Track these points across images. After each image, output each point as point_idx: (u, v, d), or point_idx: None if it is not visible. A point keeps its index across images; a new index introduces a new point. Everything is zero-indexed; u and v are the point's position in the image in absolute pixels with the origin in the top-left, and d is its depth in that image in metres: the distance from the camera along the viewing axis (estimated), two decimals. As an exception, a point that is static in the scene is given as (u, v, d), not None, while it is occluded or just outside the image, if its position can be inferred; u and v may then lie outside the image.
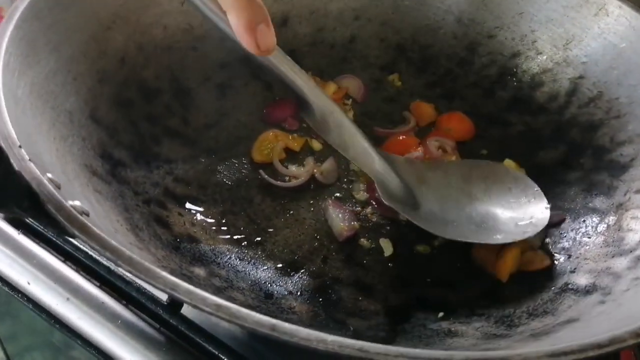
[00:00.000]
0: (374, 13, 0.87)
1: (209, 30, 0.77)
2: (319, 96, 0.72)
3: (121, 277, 0.63)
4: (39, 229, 0.67)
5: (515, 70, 0.82)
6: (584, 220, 0.68)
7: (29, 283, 0.64)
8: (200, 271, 0.58)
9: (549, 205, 0.68)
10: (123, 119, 0.68)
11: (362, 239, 0.68)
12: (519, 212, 0.68)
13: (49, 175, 0.48)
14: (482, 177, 0.72)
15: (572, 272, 0.63)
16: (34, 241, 0.66)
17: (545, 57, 0.81)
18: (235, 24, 0.55)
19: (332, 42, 0.85)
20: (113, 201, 0.58)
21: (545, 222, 0.67)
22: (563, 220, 0.69)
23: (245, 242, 0.65)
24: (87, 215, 0.47)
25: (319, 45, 0.85)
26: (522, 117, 0.80)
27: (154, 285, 0.41)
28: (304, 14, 0.85)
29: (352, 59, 0.86)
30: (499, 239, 0.66)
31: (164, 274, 0.41)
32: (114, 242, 0.43)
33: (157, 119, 0.72)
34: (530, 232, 0.66)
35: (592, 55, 0.77)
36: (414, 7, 0.86)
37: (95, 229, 0.43)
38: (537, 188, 0.70)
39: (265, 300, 0.58)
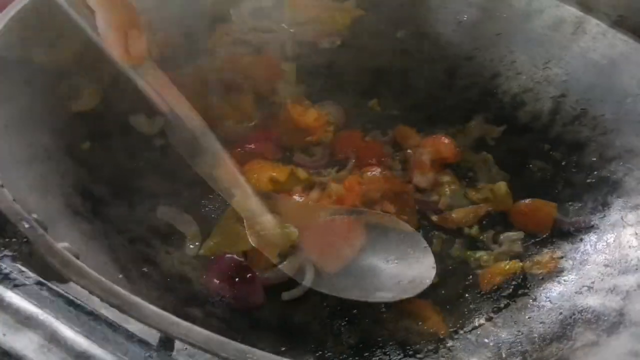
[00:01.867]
0: (351, 40, 0.84)
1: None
2: (191, 115, 0.63)
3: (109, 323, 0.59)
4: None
5: (495, 91, 0.81)
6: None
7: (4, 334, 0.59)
8: (196, 312, 0.54)
9: (434, 266, 0.62)
10: (101, 153, 0.64)
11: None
12: (403, 269, 0.62)
13: (34, 215, 0.44)
14: (370, 228, 0.66)
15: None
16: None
17: (525, 76, 0.80)
18: (103, 26, 0.50)
19: (310, 70, 0.83)
20: (99, 241, 0.55)
21: (429, 281, 0.61)
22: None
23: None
24: (77, 258, 0.44)
25: (298, 70, 0.82)
26: (508, 137, 0.78)
27: (164, 332, 0.38)
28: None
29: (330, 85, 0.84)
30: (381, 296, 0.60)
31: (176, 319, 0.38)
32: (116, 287, 0.39)
33: (136, 151, 0.68)
34: (412, 291, 0.60)
35: (573, 73, 0.76)
36: (389, 32, 0.84)
37: (94, 272, 0.39)
38: (425, 245, 0.64)
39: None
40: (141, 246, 0.59)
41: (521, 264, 0.64)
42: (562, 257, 0.64)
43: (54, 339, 0.54)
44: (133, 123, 0.68)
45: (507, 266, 0.64)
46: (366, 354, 0.56)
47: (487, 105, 0.81)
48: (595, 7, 0.76)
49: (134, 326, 0.41)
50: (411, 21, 0.84)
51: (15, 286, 0.56)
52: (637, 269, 0.59)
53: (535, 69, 0.79)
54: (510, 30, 0.80)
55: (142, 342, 0.49)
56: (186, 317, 0.50)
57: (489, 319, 0.60)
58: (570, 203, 0.69)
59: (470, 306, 0.62)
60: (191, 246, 0.61)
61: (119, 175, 0.64)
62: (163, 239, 0.62)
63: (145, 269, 0.56)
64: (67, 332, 0.55)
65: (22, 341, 0.55)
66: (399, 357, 0.56)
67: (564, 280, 0.62)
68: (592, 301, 0.58)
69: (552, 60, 0.78)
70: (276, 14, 0.79)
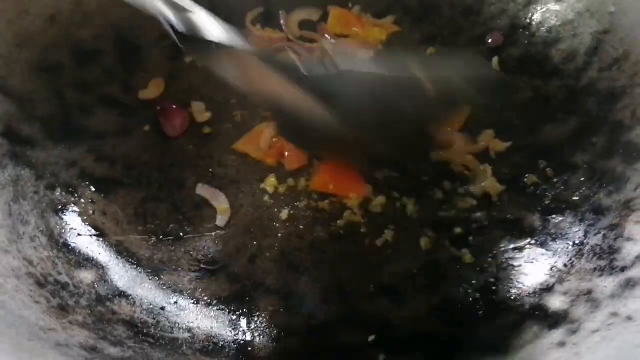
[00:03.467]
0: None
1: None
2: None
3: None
4: None
5: (529, 21, 0.71)
6: (582, 220, 0.58)
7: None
8: (86, 275, 0.52)
9: None
10: (44, 87, 0.63)
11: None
12: None
13: None
14: None
15: (549, 289, 0.54)
16: None
17: (566, 5, 0.68)
18: None
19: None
20: (-6, 191, 0.54)
21: None
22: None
23: (162, 236, 0.59)
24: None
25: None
26: (532, 81, 0.68)
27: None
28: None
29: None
30: None
31: None
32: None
33: (91, 86, 0.66)
34: None
35: (622, 2, 0.64)
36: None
37: None
38: None
39: (158, 313, 0.52)
40: (61, 194, 0.58)
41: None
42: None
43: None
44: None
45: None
46: (347, 326, 0.55)
47: (516, 40, 0.70)
48: None
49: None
50: None
51: None
52: (622, 270, 0.50)
53: (579, -4, 0.70)
54: (556, -57, 0.70)
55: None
56: (64, 285, 0.51)
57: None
58: (553, 216, 0.60)
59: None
60: (220, 218, 0.61)
61: (62, 111, 0.63)
62: (95, 184, 0.60)
63: (50, 222, 0.55)
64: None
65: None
66: (374, 329, 0.54)
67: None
68: (557, 303, 0.51)
69: (599, -16, 0.68)
70: (321, 27, 0.75)
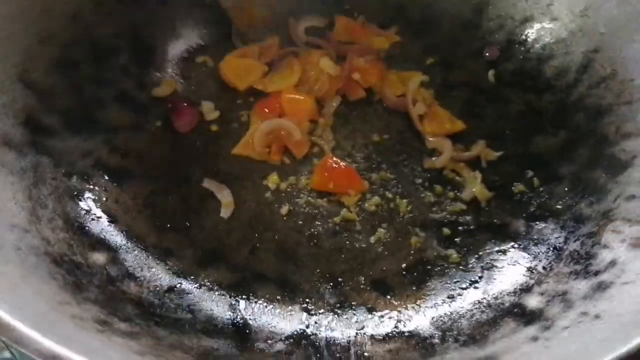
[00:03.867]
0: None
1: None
2: None
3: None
4: None
5: (525, 38, 0.75)
6: (563, 227, 0.62)
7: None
8: (99, 257, 0.57)
9: None
10: (64, 82, 0.67)
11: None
12: None
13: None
14: None
15: (527, 290, 0.58)
16: None
17: (560, 24, 0.73)
18: None
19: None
20: (19, 175, 0.57)
21: None
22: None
23: (169, 224, 0.64)
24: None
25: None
26: (525, 95, 0.73)
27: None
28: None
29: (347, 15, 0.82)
30: None
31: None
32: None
33: (107, 82, 0.71)
34: None
35: (613, 24, 0.68)
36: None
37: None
38: None
39: (164, 295, 0.57)
40: (77, 180, 0.62)
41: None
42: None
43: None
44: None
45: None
46: (339, 311, 0.59)
47: (511, 55, 0.75)
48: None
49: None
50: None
51: None
52: (596, 274, 0.54)
53: (572, 16, 0.72)
54: (553, -35, 0.75)
55: None
56: (78, 264, 0.55)
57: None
58: (537, 222, 0.64)
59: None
60: (224, 211, 0.65)
61: (80, 105, 0.67)
62: (109, 173, 0.65)
63: (66, 206, 0.59)
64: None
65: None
66: (365, 317, 0.58)
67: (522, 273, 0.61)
68: (534, 303, 0.56)
69: (591, 6, 0.70)
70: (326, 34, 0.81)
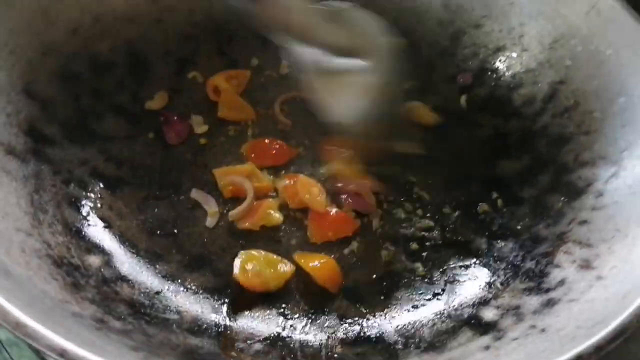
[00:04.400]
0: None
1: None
2: None
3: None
4: None
5: (497, 66, 0.82)
6: (521, 246, 0.69)
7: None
8: (94, 260, 0.63)
9: None
10: (64, 93, 0.73)
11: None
12: None
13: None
14: None
15: (485, 303, 0.65)
16: None
17: (529, 55, 0.80)
18: None
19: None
20: (22, 182, 0.63)
21: None
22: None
23: (159, 231, 0.70)
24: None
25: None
26: (494, 119, 0.80)
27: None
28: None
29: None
30: None
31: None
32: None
33: (104, 94, 0.77)
34: None
35: (577, 59, 0.75)
36: (401, -12, 0.88)
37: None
38: None
39: (153, 296, 0.63)
40: (75, 188, 0.68)
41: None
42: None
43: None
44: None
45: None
46: (313, 317, 0.65)
47: (483, 82, 0.82)
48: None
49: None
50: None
51: None
52: (546, 292, 0.61)
53: (542, 48, 0.79)
54: (525, 0, 0.79)
55: None
56: (76, 266, 0.61)
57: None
58: (498, 241, 0.70)
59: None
60: (209, 220, 0.71)
61: (78, 115, 0.72)
62: (104, 181, 0.71)
63: (64, 212, 0.65)
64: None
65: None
66: (336, 322, 0.64)
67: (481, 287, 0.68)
68: (490, 315, 0.62)
69: (559, 40, 0.77)
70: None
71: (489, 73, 0.82)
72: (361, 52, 0.69)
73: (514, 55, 0.81)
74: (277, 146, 0.78)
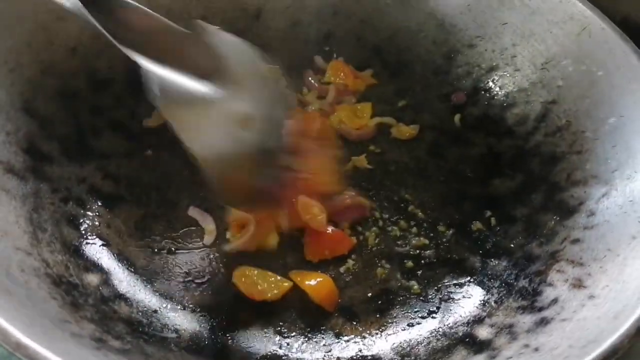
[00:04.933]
0: (354, 10, 0.88)
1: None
2: None
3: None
4: None
5: (490, 85, 0.83)
6: (515, 264, 0.70)
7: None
8: (93, 278, 0.63)
9: None
10: (63, 110, 0.73)
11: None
12: None
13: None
14: None
15: (479, 321, 0.65)
16: None
17: (522, 75, 0.81)
18: None
19: (306, 38, 0.89)
20: (22, 200, 0.64)
21: None
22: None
23: (157, 249, 0.70)
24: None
25: (292, 41, 0.88)
26: (487, 138, 0.81)
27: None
28: (278, 8, 0.88)
29: (325, 57, 0.89)
30: None
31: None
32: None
33: (102, 111, 0.77)
34: None
35: (569, 79, 0.76)
36: (396, 7, 0.87)
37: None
38: None
39: (151, 315, 0.63)
40: (73, 206, 0.68)
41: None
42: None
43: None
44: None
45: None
46: (309, 335, 0.65)
47: (477, 101, 0.83)
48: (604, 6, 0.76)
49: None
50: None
51: None
52: (539, 310, 0.62)
53: (534, 68, 0.80)
54: (517, 20, 0.81)
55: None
56: (74, 285, 0.61)
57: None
58: (492, 259, 0.71)
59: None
60: (207, 238, 0.71)
61: (77, 132, 0.73)
62: (102, 199, 0.71)
63: (63, 230, 0.65)
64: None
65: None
66: (332, 341, 0.65)
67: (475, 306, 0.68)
68: (484, 333, 0.63)
69: (551, 61, 0.78)
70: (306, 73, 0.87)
71: (483, 92, 0.83)
72: (224, 77, 0.64)
73: (507, 75, 0.82)
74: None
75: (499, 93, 0.82)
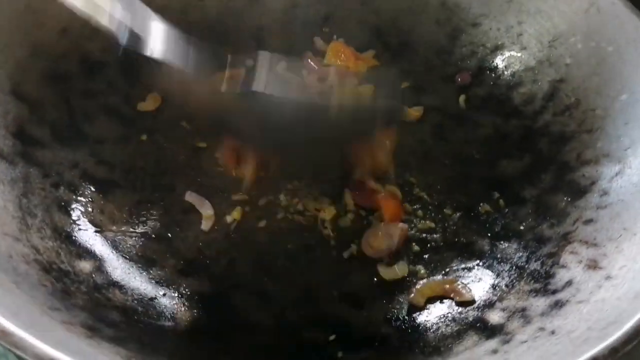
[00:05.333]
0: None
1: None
2: None
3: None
4: None
5: (495, 65, 0.80)
6: (525, 247, 0.66)
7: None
8: (85, 265, 0.60)
9: None
10: (54, 94, 0.70)
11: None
12: None
13: None
14: None
15: (490, 305, 0.62)
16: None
17: (529, 53, 0.78)
18: None
19: (305, 20, 0.85)
20: (10, 185, 0.60)
21: None
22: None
23: (153, 235, 0.66)
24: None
25: (290, 23, 0.84)
26: (493, 119, 0.77)
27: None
28: (278, -12, 0.87)
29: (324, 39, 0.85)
30: None
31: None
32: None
33: (95, 95, 0.74)
34: None
35: (577, 56, 0.73)
36: (398, -14, 0.86)
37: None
38: None
39: (147, 302, 0.60)
40: (65, 191, 0.65)
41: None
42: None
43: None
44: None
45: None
46: (312, 326, 0.62)
47: (482, 81, 0.80)
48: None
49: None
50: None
51: None
52: (553, 293, 0.58)
53: (541, 46, 0.77)
54: (523, -3, 0.80)
55: None
56: (66, 272, 0.58)
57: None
58: (501, 242, 0.68)
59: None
60: (205, 223, 0.68)
61: (68, 117, 0.70)
62: (95, 184, 0.67)
63: (54, 216, 0.62)
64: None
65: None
66: (337, 329, 0.62)
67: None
68: (496, 318, 0.60)
69: (559, 38, 0.75)
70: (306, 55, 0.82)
71: (488, 72, 0.80)
72: None
73: (513, 53, 0.79)
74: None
75: (505, 72, 0.79)
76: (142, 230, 0.67)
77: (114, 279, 0.61)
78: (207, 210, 0.70)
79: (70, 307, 0.53)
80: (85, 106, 0.72)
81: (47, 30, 0.71)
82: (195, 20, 0.81)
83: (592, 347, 0.48)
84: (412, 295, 0.65)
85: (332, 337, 0.61)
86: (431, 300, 0.64)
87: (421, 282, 0.66)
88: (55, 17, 0.71)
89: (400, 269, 0.66)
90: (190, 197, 0.71)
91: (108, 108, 0.74)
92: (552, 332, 0.54)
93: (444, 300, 0.64)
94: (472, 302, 0.64)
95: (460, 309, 0.63)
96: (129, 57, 0.76)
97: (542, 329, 0.56)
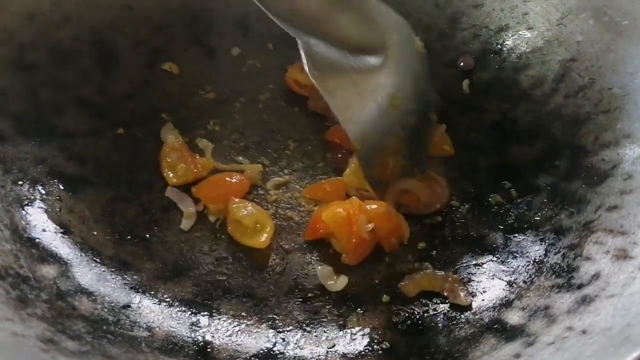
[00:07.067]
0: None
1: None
2: None
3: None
4: None
5: (500, 47, 0.72)
6: (543, 239, 0.59)
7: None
8: (49, 270, 0.52)
9: None
10: (19, 84, 0.62)
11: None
12: None
13: None
14: None
15: (507, 304, 0.54)
16: None
17: (536, 33, 0.70)
18: None
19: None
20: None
21: None
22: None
23: (129, 236, 0.58)
24: None
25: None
26: (500, 104, 0.69)
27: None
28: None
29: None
30: None
31: None
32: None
33: (66, 86, 0.66)
34: None
35: (589, 33, 0.65)
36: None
37: None
38: None
39: (119, 311, 0.52)
40: (28, 189, 0.57)
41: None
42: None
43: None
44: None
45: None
46: (308, 328, 0.55)
47: (486, 65, 0.72)
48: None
49: None
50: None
51: None
52: (579, 287, 0.50)
53: (549, 25, 0.69)
54: (527, -27, 0.72)
55: None
56: (25, 278, 0.50)
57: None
58: (515, 235, 0.60)
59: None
60: (185, 222, 0.61)
61: (35, 109, 0.62)
62: (64, 182, 0.60)
63: (15, 216, 0.54)
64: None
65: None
66: (336, 334, 0.54)
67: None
68: (515, 318, 0.52)
69: (568, 15, 0.68)
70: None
71: (492, 55, 0.72)
72: (377, 48, 0.65)
73: (519, 34, 0.71)
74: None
75: (511, 55, 0.71)
76: (117, 231, 0.59)
77: (82, 285, 0.53)
78: (188, 208, 0.62)
79: (25, 318, 0.45)
80: (55, 98, 0.64)
81: (12, 16, 0.63)
82: (176, 8, 0.73)
83: (637, 345, 0.41)
84: (405, 282, 0.57)
85: (330, 345, 0.53)
86: (426, 295, 0.57)
87: (421, 272, 0.59)
88: (21, 2, 0.63)
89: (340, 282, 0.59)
90: (171, 192, 0.63)
91: (80, 100, 0.66)
92: (583, 332, 0.46)
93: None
94: (468, 307, 0.56)
95: (474, 309, 0.55)
96: (104, 46, 0.70)
97: (570, 328, 0.48)
